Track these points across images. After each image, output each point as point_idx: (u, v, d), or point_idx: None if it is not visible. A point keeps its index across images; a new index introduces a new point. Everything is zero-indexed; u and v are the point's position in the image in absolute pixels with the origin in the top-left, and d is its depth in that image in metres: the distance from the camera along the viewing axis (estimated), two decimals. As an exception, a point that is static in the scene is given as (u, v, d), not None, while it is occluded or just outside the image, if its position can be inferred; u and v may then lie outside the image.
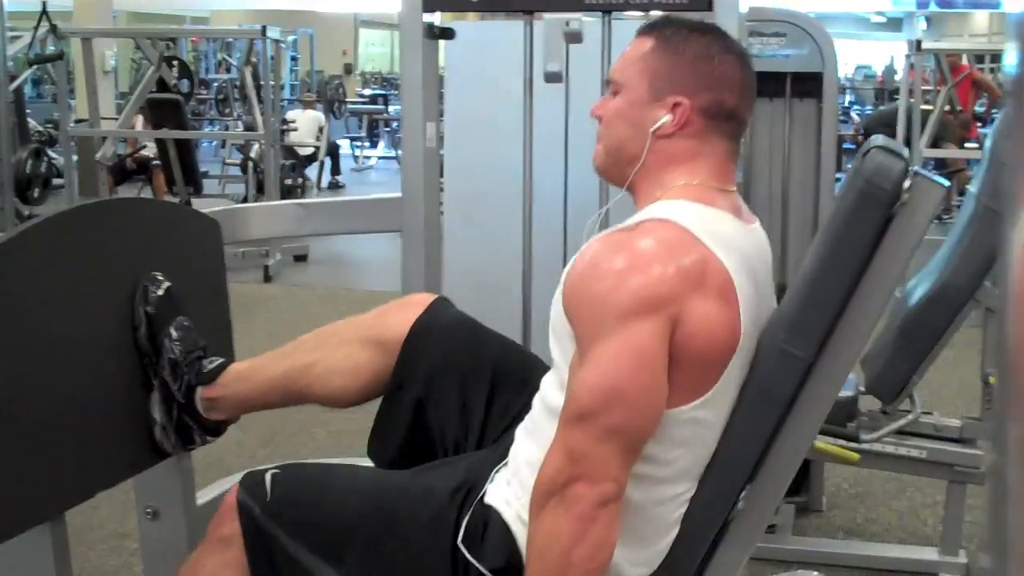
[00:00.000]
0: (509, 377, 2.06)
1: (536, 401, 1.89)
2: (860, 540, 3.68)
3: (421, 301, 2.15)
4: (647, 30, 1.93)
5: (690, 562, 1.84)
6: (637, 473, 1.72)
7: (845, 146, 11.87)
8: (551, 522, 1.66)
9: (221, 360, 2.19)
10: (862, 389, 3.27)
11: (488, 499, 1.85)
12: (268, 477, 1.96)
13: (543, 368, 2.06)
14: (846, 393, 3.21)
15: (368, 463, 2.21)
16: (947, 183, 1.78)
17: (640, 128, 1.87)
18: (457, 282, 3.45)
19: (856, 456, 3.15)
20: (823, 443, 3.12)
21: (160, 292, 2.15)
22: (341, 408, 2.18)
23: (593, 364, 1.67)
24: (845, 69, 21.93)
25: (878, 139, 1.74)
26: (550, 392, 1.84)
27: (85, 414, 2.01)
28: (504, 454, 1.91)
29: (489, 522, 1.83)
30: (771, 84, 3.78)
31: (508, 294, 2.92)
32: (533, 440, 1.84)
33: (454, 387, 2.06)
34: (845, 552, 3.52)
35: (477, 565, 1.80)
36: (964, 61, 11.19)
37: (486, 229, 3.25)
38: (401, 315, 2.11)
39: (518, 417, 1.97)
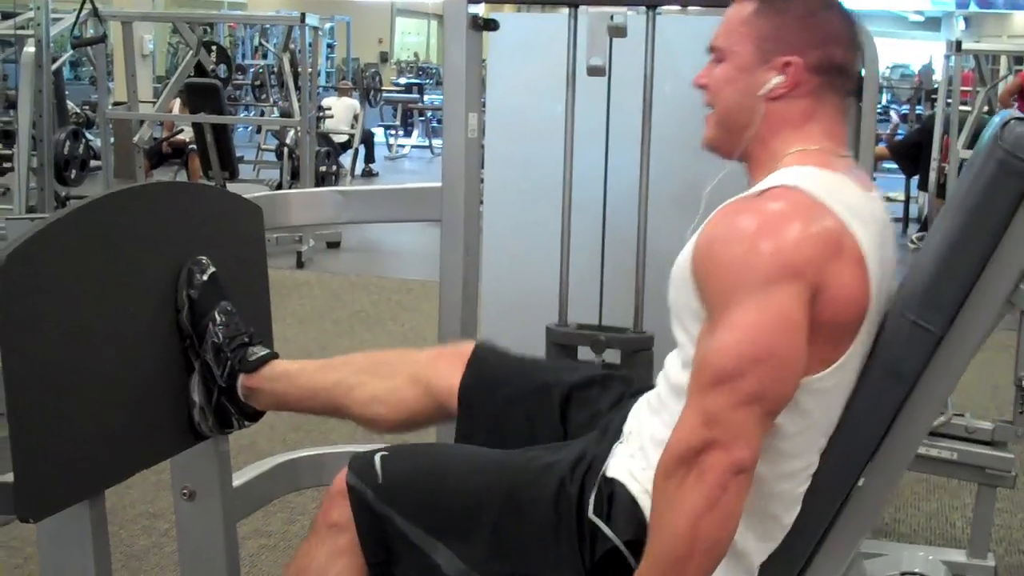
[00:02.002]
0: (575, 390, 2.07)
1: (660, 380, 1.87)
2: (888, 541, 3.67)
3: (468, 353, 2.15)
4: None
5: (810, 537, 1.82)
6: (764, 446, 1.67)
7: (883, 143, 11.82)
8: (681, 490, 1.61)
9: (267, 351, 2.20)
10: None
11: (611, 473, 1.82)
12: (378, 459, 1.92)
13: (595, 370, 2.08)
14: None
15: None
16: None
17: (750, 93, 1.83)
18: (495, 272, 3.46)
19: (887, 456, 3.14)
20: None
21: (205, 277, 2.17)
22: (377, 433, 2.22)
23: (731, 329, 1.63)
24: (881, 68, 21.80)
25: (1015, 111, 1.73)
26: (675, 372, 1.81)
27: (127, 394, 2.03)
28: (616, 435, 1.90)
29: (614, 494, 1.80)
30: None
31: (546, 286, 2.93)
32: (659, 418, 1.81)
33: (522, 422, 2.07)
34: (873, 552, 3.51)
35: (611, 536, 1.77)
36: (1003, 63, 11.12)
37: (526, 221, 3.26)
38: (454, 366, 2.12)
39: (592, 423, 1.98)
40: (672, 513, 1.62)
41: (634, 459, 1.82)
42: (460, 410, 2.10)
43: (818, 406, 1.74)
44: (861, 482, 1.81)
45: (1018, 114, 1.72)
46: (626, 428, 1.89)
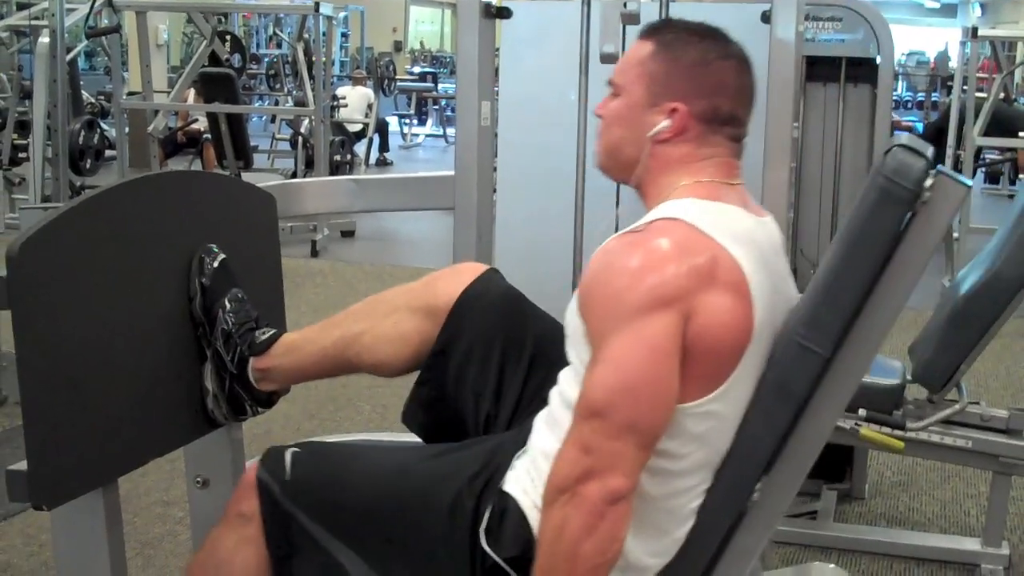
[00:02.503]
0: (549, 356, 2.05)
1: (554, 395, 1.90)
2: (902, 529, 3.67)
3: (472, 270, 2.15)
4: (648, 33, 1.94)
5: (704, 551, 1.86)
6: (653, 467, 1.74)
7: (897, 133, 11.78)
8: (561, 516, 1.68)
9: (273, 331, 2.20)
10: (909, 377, 3.26)
11: (506, 487, 1.86)
12: (288, 456, 1.98)
13: None
14: (893, 381, 3.20)
15: (406, 437, 2.24)
16: (970, 183, 1.78)
17: (638, 132, 1.89)
18: (508, 261, 3.45)
19: (901, 444, 3.14)
20: (868, 430, 3.11)
21: (215, 264, 2.17)
22: (390, 376, 2.18)
23: (606, 361, 1.69)
24: (897, 55, 21.73)
25: (902, 137, 1.74)
26: (568, 387, 1.85)
27: (141, 383, 2.04)
28: (527, 438, 1.92)
29: (507, 510, 1.84)
30: (826, 69, 3.77)
31: (559, 274, 2.92)
32: (552, 432, 1.84)
33: (494, 359, 2.07)
34: (886, 540, 3.51)
35: (493, 556, 1.82)
36: (1020, 49, 11.08)
37: (538, 209, 3.25)
38: (451, 282, 2.12)
39: (536, 403, 1.98)
40: (554, 539, 1.69)
41: (528, 474, 1.86)
42: (451, 313, 2.08)
43: (708, 428, 1.78)
44: (756, 496, 1.85)
45: (903, 140, 1.73)
46: (531, 439, 1.92)
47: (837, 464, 3.82)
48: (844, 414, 3.12)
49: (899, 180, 1.68)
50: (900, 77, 19.33)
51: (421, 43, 26.73)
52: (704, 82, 1.87)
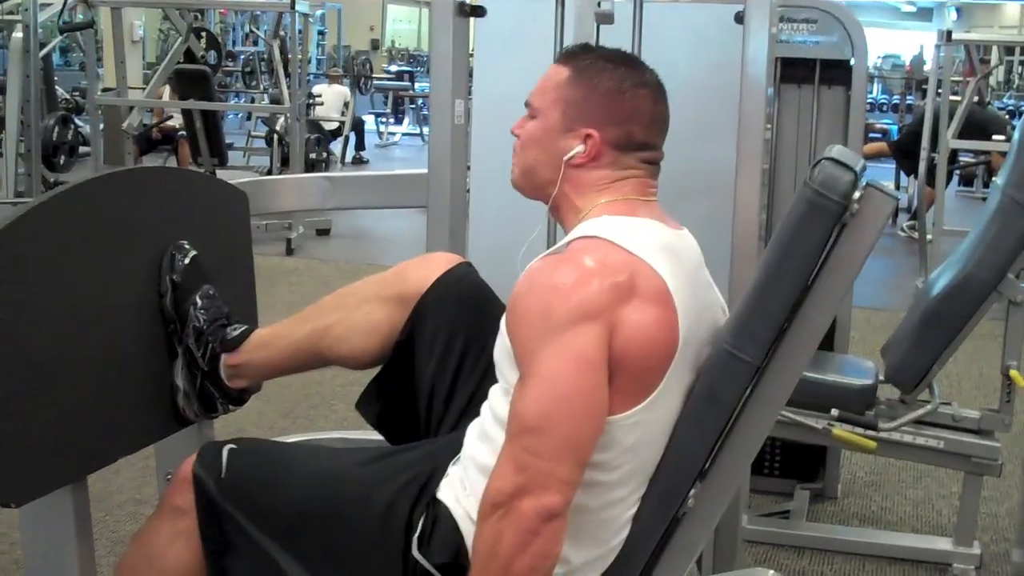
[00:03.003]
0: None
1: (485, 409, 1.91)
2: (874, 528, 3.69)
3: (444, 259, 2.16)
4: (565, 58, 1.97)
5: (640, 558, 1.88)
6: (587, 479, 1.74)
7: (871, 135, 11.80)
8: (495, 532, 1.68)
9: (245, 327, 2.20)
10: (882, 378, 3.28)
11: (440, 494, 1.88)
12: (225, 452, 1.98)
13: None
14: (865, 381, 3.22)
15: (374, 436, 2.24)
16: (899, 196, 1.79)
17: (553, 155, 1.92)
18: (480, 259, 3.44)
19: (873, 444, 3.15)
20: (841, 430, 3.12)
21: (187, 261, 2.16)
22: (363, 368, 2.18)
23: (534, 377, 1.70)
24: (873, 58, 21.83)
25: (832, 149, 1.75)
26: (498, 403, 1.86)
27: (110, 380, 2.02)
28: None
29: (439, 518, 1.85)
30: (800, 71, 3.78)
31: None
32: (484, 444, 1.86)
33: (455, 354, 2.08)
34: (859, 540, 3.53)
35: (424, 563, 1.83)
36: (994, 53, 11.14)
37: (511, 208, 3.26)
38: (422, 271, 2.12)
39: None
40: (488, 554, 1.70)
41: (462, 482, 1.87)
42: (420, 301, 2.09)
43: (639, 440, 1.79)
44: (691, 503, 1.86)
45: (833, 153, 1.75)
46: (464, 447, 1.92)
47: (810, 464, 3.84)
48: (817, 414, 3.14)
49: (827, 192, 1.70)
50: (876, 80, 19.38)
51: (393, 42, 26.70)
52: (618, 109, 1.89)
